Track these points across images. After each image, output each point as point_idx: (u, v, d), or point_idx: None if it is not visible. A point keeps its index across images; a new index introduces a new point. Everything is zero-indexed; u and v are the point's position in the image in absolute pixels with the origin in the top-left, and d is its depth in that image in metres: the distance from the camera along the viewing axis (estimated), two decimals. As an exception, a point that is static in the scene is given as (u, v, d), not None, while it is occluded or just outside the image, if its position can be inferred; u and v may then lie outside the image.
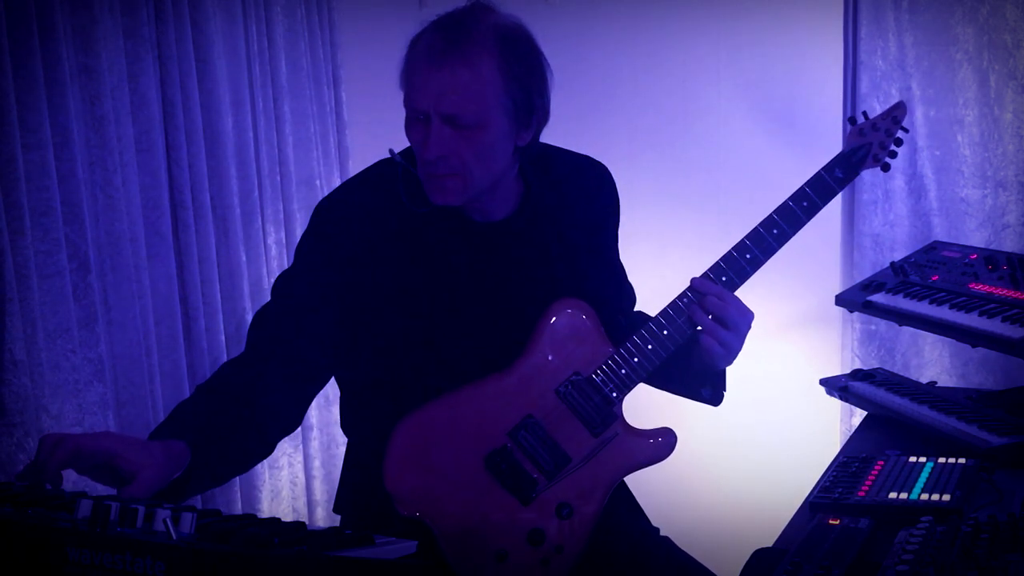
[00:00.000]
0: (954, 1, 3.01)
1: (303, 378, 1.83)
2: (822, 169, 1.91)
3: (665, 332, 1.82)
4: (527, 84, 1.75)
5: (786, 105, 3.28)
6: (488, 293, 1.83)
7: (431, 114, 1.71)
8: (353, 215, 1.81)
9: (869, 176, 3.13)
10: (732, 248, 1.86)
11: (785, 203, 1.88)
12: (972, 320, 2.39)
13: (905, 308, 2.56)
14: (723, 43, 3.33)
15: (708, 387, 1.96)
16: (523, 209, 1.87)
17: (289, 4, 3.06)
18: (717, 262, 1.85)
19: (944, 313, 2.46)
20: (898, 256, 2.85)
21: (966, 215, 3.07)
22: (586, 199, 1.94)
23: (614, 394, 1.81)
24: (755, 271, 1.85)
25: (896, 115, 1.99)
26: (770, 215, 1.87)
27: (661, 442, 1.85)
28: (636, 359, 1.81)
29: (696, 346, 1.86)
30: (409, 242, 1.80)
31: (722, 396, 1.98)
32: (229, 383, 1.77)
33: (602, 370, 1.81)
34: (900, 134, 2.01)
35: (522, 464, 1.77)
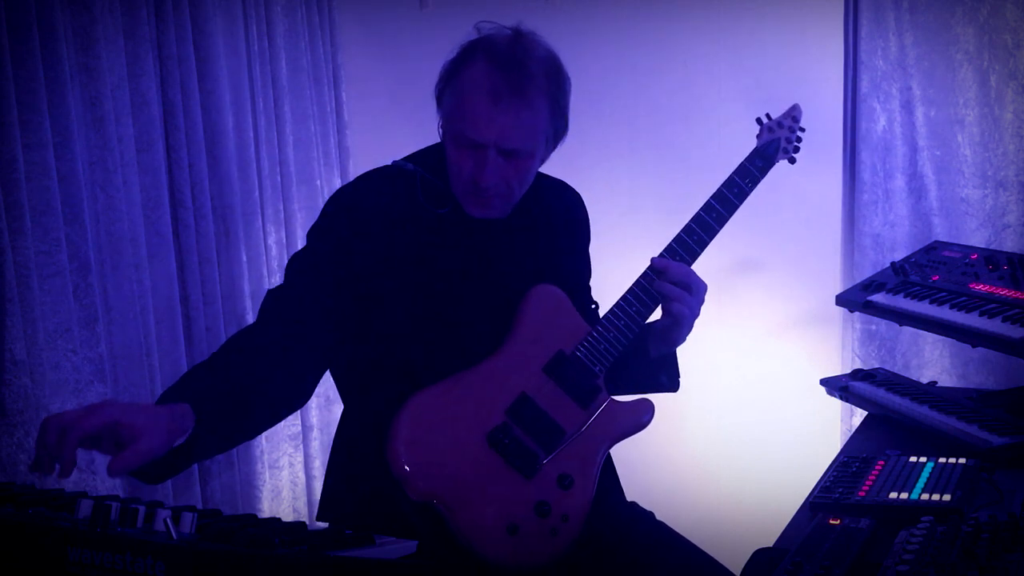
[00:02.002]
0: (954, 1, 3.00)
1: (310, 353, 1.89)
2: (745, 160, 2.12)
3: (633, 308, 1.96)
4: (564, 111, 1.94)
5: (787, 105, 3.27)
6: (486, 282, 1.95)
7: (489, 146, 1.84)
8: (366, 205, 1.93)
9: (870, 176, 3.13)
10: (680, 231, 2.02)
11: (719, 189, 2.06)
12: (972, 320, 2.39)
13: (905, 308, 2.56)
14: (723, 43, 3.33)
15: (664, 373, 2.09)
16: (518, 210, 2.00)
17: (290, 4, 3.06)
18: (670, 244, 2.01)
19: (944, 313, 2.46)
20: (899, 256, 2.85)
21: (966, 215, 3.07)
22: (564, 211, 2.11)
23: (596, 367, 1.93)
24: (702, 251, 2.02)
25: (795, 115, 2.22)
26: (707, 201, 2.05)
27: (641, 410, 1.97)
28: (612, 334, 1.95)
29: (651, 334, 2.02)
30: (418, 235, 1.92)
31: (678, 381, 2.11)
32: (240, 349, 1.85)
33: (583, 346, 1.94)
34: (800, 133, 2.22)
35: (522, 439, 1.85)
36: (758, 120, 2.21)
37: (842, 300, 2.78)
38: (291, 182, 3.08)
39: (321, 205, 3.13)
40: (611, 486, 2.06)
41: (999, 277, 2.50)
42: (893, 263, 2.75)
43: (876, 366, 2.97)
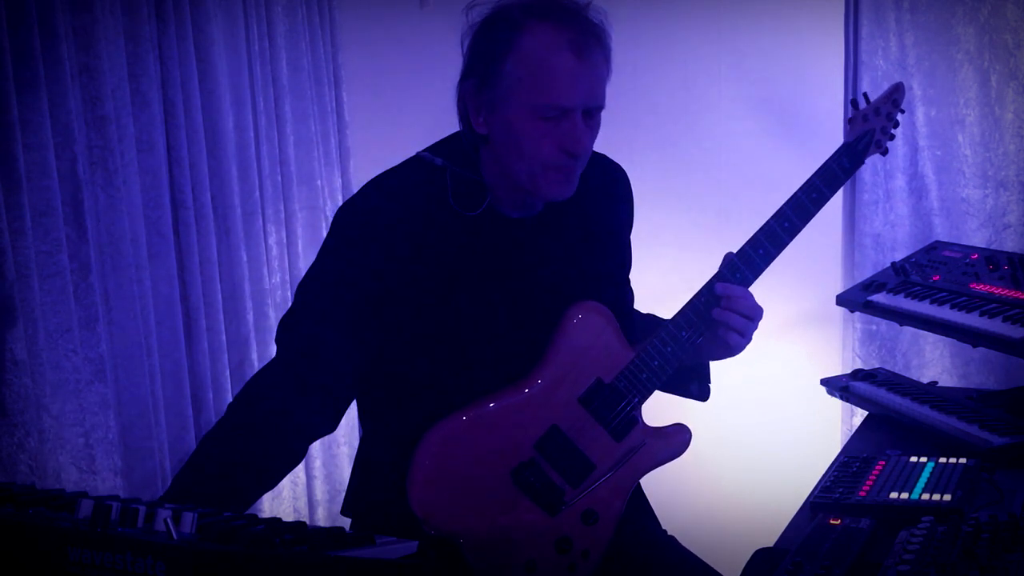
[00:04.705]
0: (955, 1, 3.00)
1: (338, 383, 1.82)
2: (830, 159, 1.89)
3: (683, 334, 1.81)
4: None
5: (787, 105, 3.28)
6: (520, 290, 1.81)
7: (576, 109, 1.69)
8: (380, 219, 1.76)
9: (870, 176, 3.13)
10: (745, 244, 1.84)
11: (796, 195, 1.85)
12: (973, 320, 2.39)
13: (906, 308, 2.56)
14: (724, 43, 3.33)
15: (696, 382, 1.97)
16: (552, 204, 1.84)
17: (290, 4, 3.06)
18: (732, 259, 1.83)
19: (945, 313, 2.46)
20: (899, 256, 2.85)
21: (967, 215, 3.07)
22: (606, 197, 1.93)
23: (636, 399, 1.81)
24: (767, 266, 1.83)
25: (896, 98, 1.95)
26: (781, 208, 1.85)
27: (678, 440, 1.87)
28: (656, 362, 1.80)
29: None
30: (445, 245, 1.77)
31: (709, 390, 1.99)
32: (255, 406, 1.79)
33: (624, 376, 1.80)
34: (898, 116, 1.99)
35: (549, 475, 1.76)
36: (853, 103, 1.93)
37: (842, 300, 2.77)
38: (292, 182, 3.08)
39: (322, 205, 3.15)
40: (635, 510, 1.94)
41: (999, 277, 2.50)
42: (894, 263, 2.75)
43: (877, 366, 2.97)
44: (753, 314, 1.81)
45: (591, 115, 1.72)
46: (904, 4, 3.05)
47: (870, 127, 1.92)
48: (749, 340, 1.84)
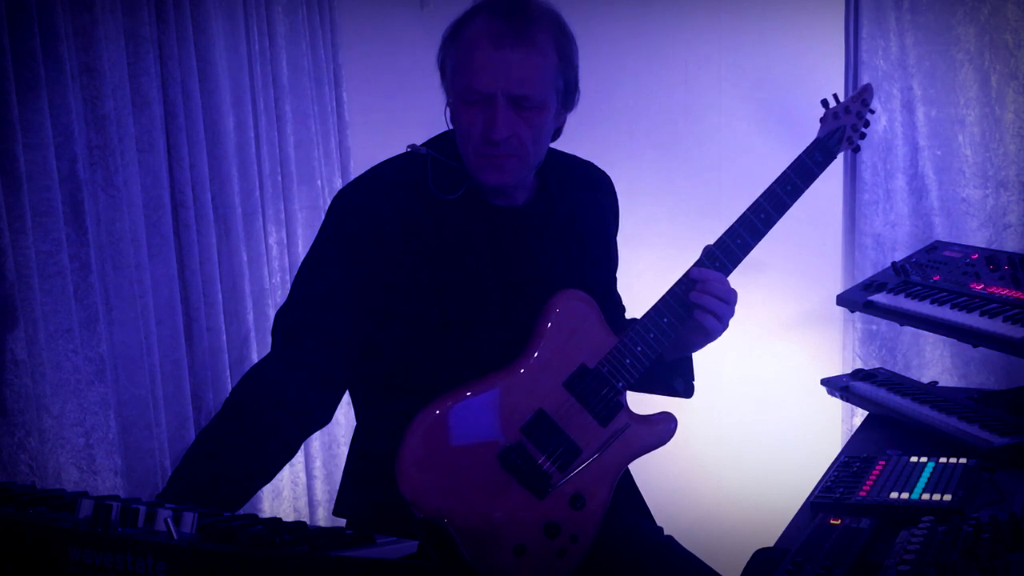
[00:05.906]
0: (955, 1, 3.00)
1: (331, 370, 1.84)
2: (803, 153, 1.95)
3: (665, 320, 1.86)
4: (573, 66, 1.84)
5: (787, 105, 3.27)
6: (507, 277, 1.86)
7: (497, 95, 1.75)
8: (371, 205, 1.82)
9: (870, 176, 3.13)
10: (723, 234, 1.90)
11: (770, 187, 1.92)
12: (973, 320, 2.39)
13: (906, 308, 2.56)
14: (724, 43, 3.33)
15: (680, 378, 2.01)
16: (539, 197, 1.91)
17: (290, 4, 3.06)
18: (711, 249, 1.89)
19: (945, 313, 2.46)
20: (899, 256, 2.85)
21: (967, 215, 3.07)
22: (592, 198, 1.99)
23: (620, 384, 1.84)
24: (745, 256, 1.90)
25: (865, 98, 2.03)
26: (756, 200, 1.91)
27: (663, 427, 1.90)
28: (639, 348, 1.85)
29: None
30: (430, 229, 1.82)
31: (693, 387, 2.03)
32: (253, 397, 1.81)
33: (607, 361, 1.84)
34: (868, 116, 2.04)
35: (536, 459, 1.79)
36: (823, 102, 2.01)
37: (843, 300, 2.78)
38: (292, 182, 3.08)
39: (322, 205, 3.15)
40: (624, 500, 1.97)
41: (1000, 277, 2.50)
42: (894, 263, 2.75)
43: (877, 366, 2.97)
44: (728, 297, 1.87)
45: (521, 106, 1.76)
46: (904, 4, 3.05)
47: (840, 124, 1.99)
48: (726, 325, 1.89)
